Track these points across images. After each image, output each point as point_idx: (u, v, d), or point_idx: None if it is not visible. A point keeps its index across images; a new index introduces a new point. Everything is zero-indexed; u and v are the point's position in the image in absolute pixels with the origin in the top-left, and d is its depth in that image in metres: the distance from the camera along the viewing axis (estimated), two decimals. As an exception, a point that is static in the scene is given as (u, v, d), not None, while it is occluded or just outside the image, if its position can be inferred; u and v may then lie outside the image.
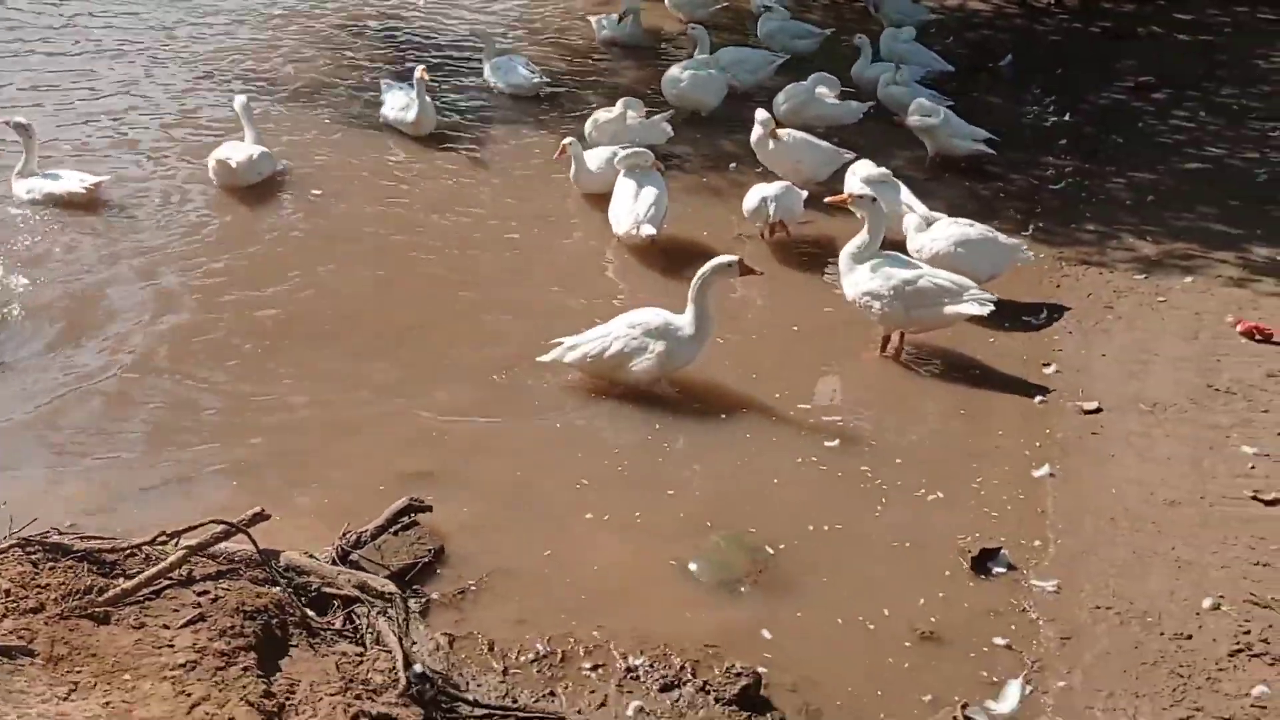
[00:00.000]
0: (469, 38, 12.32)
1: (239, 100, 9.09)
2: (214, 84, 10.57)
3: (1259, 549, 5.28)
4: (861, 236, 6.89)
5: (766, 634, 4.89)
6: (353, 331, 7.03)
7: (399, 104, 9.84)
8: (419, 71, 9.73)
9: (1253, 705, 4.39)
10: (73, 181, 8.18)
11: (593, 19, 12.63)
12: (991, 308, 6.85)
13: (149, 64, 10.97)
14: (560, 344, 6.50)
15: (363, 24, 12.59)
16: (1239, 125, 10.98)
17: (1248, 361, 6.93)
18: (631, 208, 8.06)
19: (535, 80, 10.82)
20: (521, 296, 7.55)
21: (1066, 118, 11.36)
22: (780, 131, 8.81)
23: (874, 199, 6.95)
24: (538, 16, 13.39)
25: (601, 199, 8.54)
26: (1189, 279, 8.08)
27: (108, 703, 3.43)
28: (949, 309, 6.87)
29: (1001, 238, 7.73)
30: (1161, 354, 7.09)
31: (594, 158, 8.83)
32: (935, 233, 7.58)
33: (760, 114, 8.87)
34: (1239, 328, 7.29)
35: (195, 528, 4.36)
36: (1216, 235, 8.74)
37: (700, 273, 6.42)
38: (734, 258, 6.48)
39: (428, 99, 9.75)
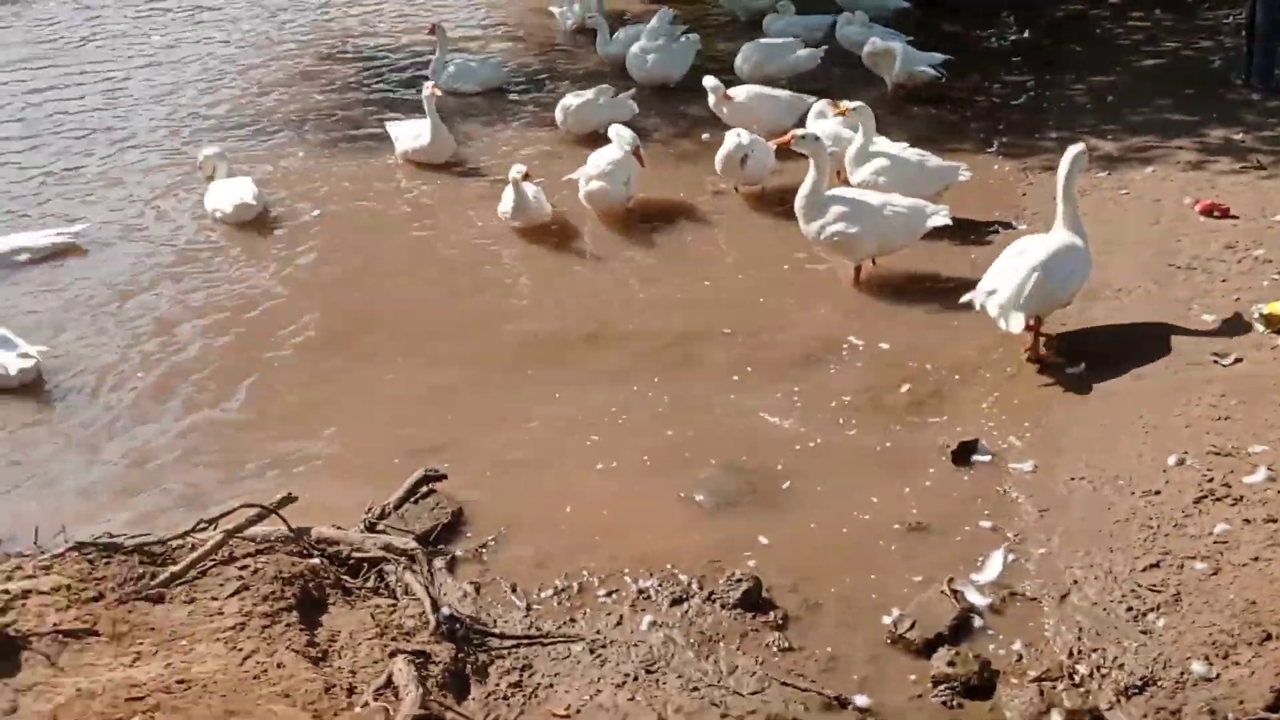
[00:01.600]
0: (427, 47, 11.86)
1: (209, 151, 8.82)
2: (196, 126, 10.55)
3: (1220, 405, 5.59)
4: (810, 178, 7.09)
5: (764, 541, 5.26)
6: (365, 337, 7.32)
7: (411, 134, 9.24)
8: (428, 89, 9.05)
9: (1215, 542, 4.71)
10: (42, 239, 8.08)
11: (555, 9, 13.00)
12: (948, 220, 7.17)
13: (129, 107, 11.09)
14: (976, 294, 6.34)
15: (331, 54, 12.48)
16: (1192, 18, 11.21)
17: (1206, 238, 7.23)
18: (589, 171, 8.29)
19: (504, 71, 11.18)
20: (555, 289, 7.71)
21: (1025, 35, 11.65)
22: (731, 92, 9.13)
23: (816, 137, 7.14)
24: (495, 18, 13.67)
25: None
26: (1149, 169, 8.37)
27: (169, 664, 3.87)
28: (914, 231, 7.22)
29: (931, 161, 7.93)
30: (1125, 241, 7.40)
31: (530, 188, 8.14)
32: (866, 163, 7.86)
33: (708, 81, 9.19)
34: (1197, 208, 7.58)
35: (230, 513, 4.82)
36: (1174, 125, 9.01)
37: (1061, 173, 6.24)
38: (1080, 146, 6.32)
39: (440, 120, 9.05)
